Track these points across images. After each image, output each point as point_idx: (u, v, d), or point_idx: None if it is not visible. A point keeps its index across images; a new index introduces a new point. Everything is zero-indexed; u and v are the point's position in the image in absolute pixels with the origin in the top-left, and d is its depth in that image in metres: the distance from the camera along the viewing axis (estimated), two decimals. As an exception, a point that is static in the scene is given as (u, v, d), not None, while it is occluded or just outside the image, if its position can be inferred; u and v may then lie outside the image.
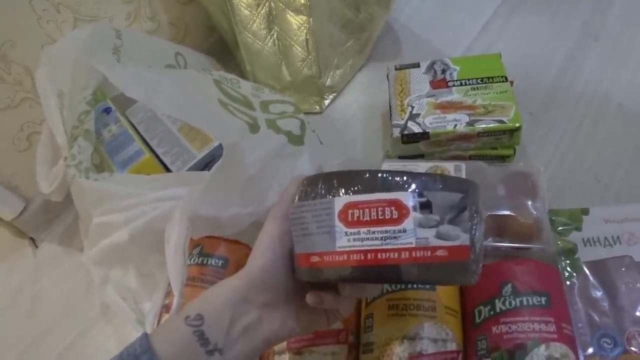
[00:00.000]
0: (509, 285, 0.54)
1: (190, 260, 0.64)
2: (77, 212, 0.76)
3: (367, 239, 0.34)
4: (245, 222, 0.64)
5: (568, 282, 0.58)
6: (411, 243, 0.34)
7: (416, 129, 0.71)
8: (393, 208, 0.34)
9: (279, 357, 0.55)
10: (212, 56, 0.97)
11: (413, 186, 0.35)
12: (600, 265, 0.58)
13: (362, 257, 0.34)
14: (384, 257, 0.34)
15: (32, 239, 0.89)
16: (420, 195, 0.34)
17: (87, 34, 0.69)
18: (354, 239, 0.35)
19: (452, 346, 0.53)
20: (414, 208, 0.34)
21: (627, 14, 0.93)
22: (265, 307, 0.41)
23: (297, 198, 0.40)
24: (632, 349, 0.52)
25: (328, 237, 0.36)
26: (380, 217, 0.34)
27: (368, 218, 0.35)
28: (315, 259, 0.37)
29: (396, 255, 0.34)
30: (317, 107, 0.93)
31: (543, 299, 0.53)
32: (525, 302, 0.53)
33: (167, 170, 0.74)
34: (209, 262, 0.64)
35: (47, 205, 0.87)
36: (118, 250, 0.65)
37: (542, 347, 0.50)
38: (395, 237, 0.34)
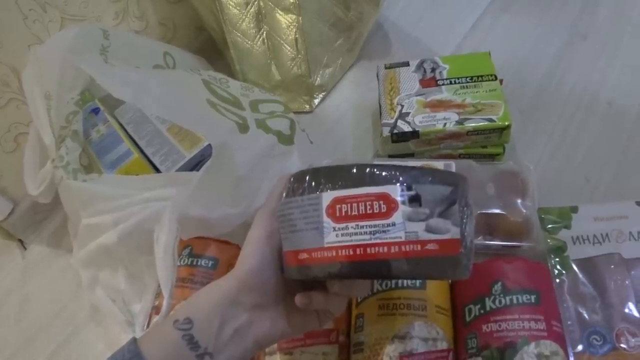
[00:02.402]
0: (499, 284, 0.54)
1: (180, 261, 0.64)
2: (65, 213, 0.76)
3: (356, 233, 0.34)
4: (235, 222, 0.64)
5: (558, 280, 0.58)
6: (400, 237, 0.33)
7: (406, 128, 0.71)
8: (381, 202, 0.34)
9: (270, 357, 0.55)
10: (201, 56, 0.97)
11: (401, 180, 0.34)
12: (589, 263, 0.59)
13: (351, 253, 0.34)
14: (373, 251, 0.34)
15: (20, 240, 0.88)
16: (409, 188, 0.34)
17: (74, 34, 0.69)
18: (342, 234, 0.34)
19: (443, 345, 0.53)
20: (403, 202, 0.34)
21: (615, 13, 0.94)
22: (255, 309, 0.40)
23: (284, 195, 0.39)
24: (621, 345, 0.52)
25: (316, 233, 0.35)
26: (368, 212, 0.34)
27: (356, 212, 0.34)
28: (303, 256, 0.36)
29: (385, 249, 0.33)
30: (307, 106, 0.93)
31: (533, 297, 0.53)
32: (515, 300, 0.53)
33: (157, 170, 0.73)
34: (198, 263, 0.64)
35: (36, 207, 0.86)
36: (107, 252, 0.64)
37: (532, 345, 0.50)
38: (384, 231, 0.33)
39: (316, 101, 0.93)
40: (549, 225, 0.63)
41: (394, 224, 0.33)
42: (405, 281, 0.56)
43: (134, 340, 0.38)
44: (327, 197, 0.35)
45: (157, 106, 0.60)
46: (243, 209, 0.64)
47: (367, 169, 0.35)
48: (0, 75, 0.76)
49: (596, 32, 0.92)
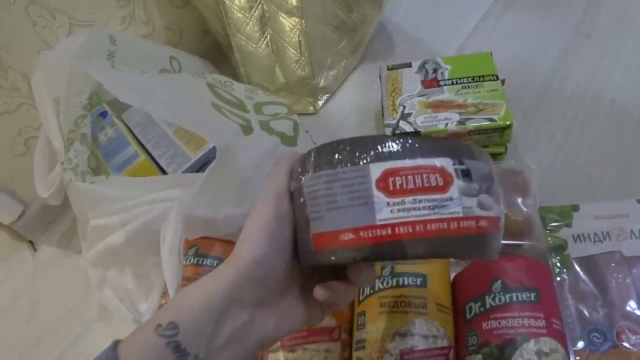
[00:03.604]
0: (499, 282, 0.55)
1: (185, 260, 0.65)
2: (75, 215, 0.77)
3: (414, 208, 0.31)
4: (239, 222, 0.65)
5: (558, 278, 0.59)
6: (458, 213, 0.31)
7: (408, 129, 0.72)
8: (438, 175, 0.31)
9: (273, 354, 0.56)
10: (207, 59, 0.98)
11: (451, 153, 0.32)
12: (590, 261, 0.59)
13: (410, 230, 0.30)
14: (433, 228, 0.31)
15: (30, 242, 0.90)
16: (460, 162, 0.32)
17: (82, 40, 0.70)
18: (398, 210, 0.31)
19: (443, 342, 0.54)
20: (457, 175, 0.31)
21: (618, 11, 0.94)
22: (257, 306, 0.35)
23: (312, 168, 0.34)
24: (622, 343, 0.53)
25: (365, 209, 0.31)
26: (425, 185, 0.31)
27: (412, 186, 0.31)
28: (347, 236, 0.32)
29: (445, 225, 0.31)
30: (311, 108, 0.94)
31: (532, 295, 0.53)
32: (514, 298, 0.53)
33: (163, 172, 0.75)
34: (204, 263, 0.65)
35: (46, 209, 0.88)
36: (115, 252, 0.66)
37: (532, 342, 0.50)
38: (443, 206, 0.31)
39: (320, 103, 0.94)
40: (550, 224, 0.63)
41: (451, 199, 0.31)
42: (406, 279, 0.56)
43: (114, 346, 0.33)
44: (377, 168, 0.31)
45: (162, 110, 0.61)
46: (247, 209, 0.65)
47: (416, 140, 0.32)
48: (11, 80, 0.77)
49: (599, 31, 0.92)
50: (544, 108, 0.83)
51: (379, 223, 0.31)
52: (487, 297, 0.54)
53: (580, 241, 0.61)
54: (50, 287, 0.82)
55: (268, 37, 0.86)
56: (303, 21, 0.81)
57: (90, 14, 0.84)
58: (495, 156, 0.74)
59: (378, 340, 0.53)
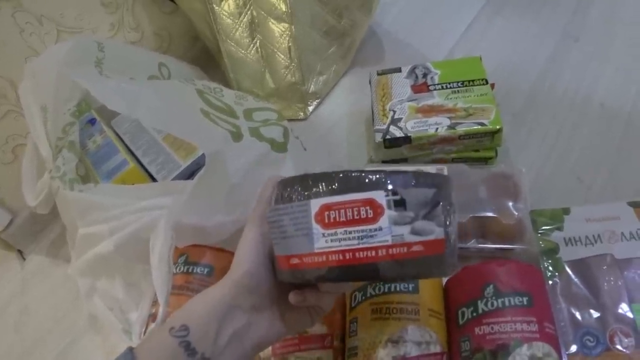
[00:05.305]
0: (491, 287, 0.54)
1: (175, 269, 0.64)
2: (64, 223, 0.76)
3: (344, 239, 0.35)
4: (229, 229, 0.65)
5: (550, 282, 0.59)
6: (387, 240, 0.35)
7: (398, 134, 0.72)
8: (368, 207, 0.35)
9: (264, 363, 0.55)
10: (197, 65, 0.98)
11: (386, 184, 0.36)
12: (582, 264, 0.59)
13: (341, 257, 0.35)
14: (361, 256, 0.35)
15: (19, 251, 0.89)
16: (394, 193, 0.35)
17: (69, 47, 0.70)
18: (332, 240, 0.36)
19: (436, 348, 0.53)
20: (389, 206, 0.35)
21: (606, 14, 0.95)
22: (253, 311, 0.41)
23: (273, 201, 0.40)
24: (615, 346, 0.52)
25: (306, 239, 0.37)
26: (356, 217, 0.35)
27: (344, 218, 0.35)
28: (295, 260, 0.38)
29: (373, 253, 0.35)
30: (302, 113, 0.93)
31: (525, 299, 0.53)
32: (507, 303, 0.53)
33: (153, 179, 0.74)
34: (194, 271, 0.64)
35: (34, 218, 0.87)
36: (104, 261, 0.65)
37: (525, 347, 0.50)
38: (371, 236, 0.35)
39: (310, 108, 0.94)
40: (542, 227, 0.63)
41: (380, 229, 0.35)
42: (398, 286, 0.56)
43: (130, 350, 0.38)
44: (316, 204, 0.36)
45: (150, 117, 0.60)
46: (237, 216, 0.64)
47: (353, 175, 0.36)
48: (-2, 87, 0.77)
49: (588, 33, 0.92)
50: (534, 111, 0.83)
51: (316, 251, 0.36)
52: (479, 302, 0.54)
53: (572, 244, 0.61)
54: (40, 296, 0.81)
55: (258, 43, 0.85)
56: (292, 27, 0.81)
57: (78, 21, 0.83)
58: (485, 160, 0.74)
59: (370, 347, 0.53)
